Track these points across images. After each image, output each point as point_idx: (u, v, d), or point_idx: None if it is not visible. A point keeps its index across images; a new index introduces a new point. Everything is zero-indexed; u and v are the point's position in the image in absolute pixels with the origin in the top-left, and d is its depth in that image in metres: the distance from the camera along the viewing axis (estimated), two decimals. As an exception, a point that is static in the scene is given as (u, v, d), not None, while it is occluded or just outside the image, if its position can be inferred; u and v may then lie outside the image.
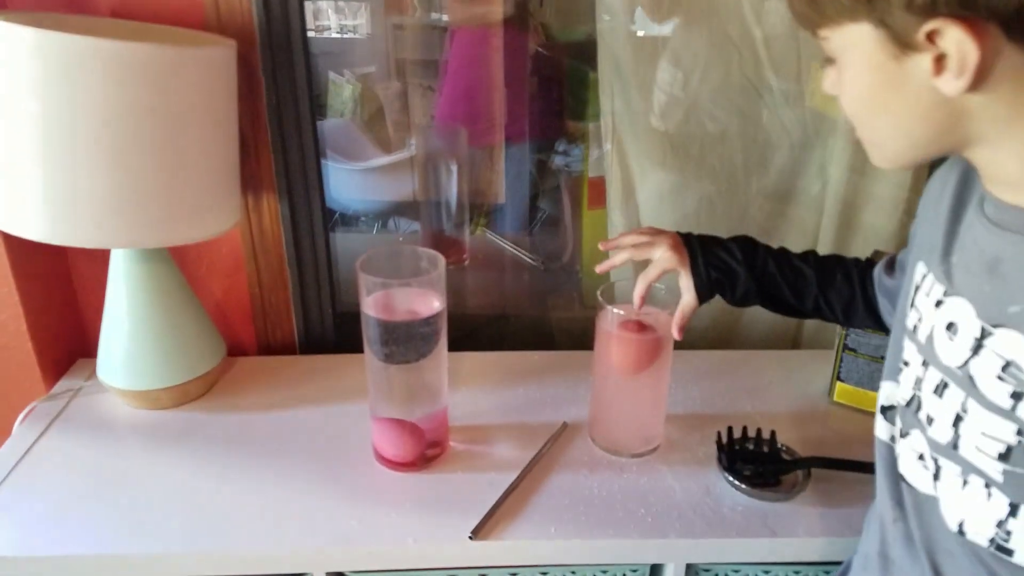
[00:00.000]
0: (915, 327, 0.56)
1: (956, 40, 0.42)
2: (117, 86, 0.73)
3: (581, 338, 1.16)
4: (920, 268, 0.57)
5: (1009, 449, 0.46)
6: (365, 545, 0.74)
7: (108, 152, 0.75)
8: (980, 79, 0.43)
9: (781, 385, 1.02)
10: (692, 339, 1.24)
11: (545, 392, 1.00)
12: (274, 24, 0.94)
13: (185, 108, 0.79)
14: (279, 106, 0.98)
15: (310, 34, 0.99)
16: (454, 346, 1.07)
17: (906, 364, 0.57)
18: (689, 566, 0.78)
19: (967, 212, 0.52)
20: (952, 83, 0.44)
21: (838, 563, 0.75)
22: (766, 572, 0.80)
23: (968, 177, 0.54)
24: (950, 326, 0.51)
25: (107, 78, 0.73)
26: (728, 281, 0.77)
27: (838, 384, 0.96)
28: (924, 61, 0.45)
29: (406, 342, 0.79)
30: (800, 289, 0.77)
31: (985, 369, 0.47)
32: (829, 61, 0.53)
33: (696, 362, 1.07)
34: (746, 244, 0.79)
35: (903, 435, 0.58)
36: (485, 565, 0.77)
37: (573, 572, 0.79)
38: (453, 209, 1.50)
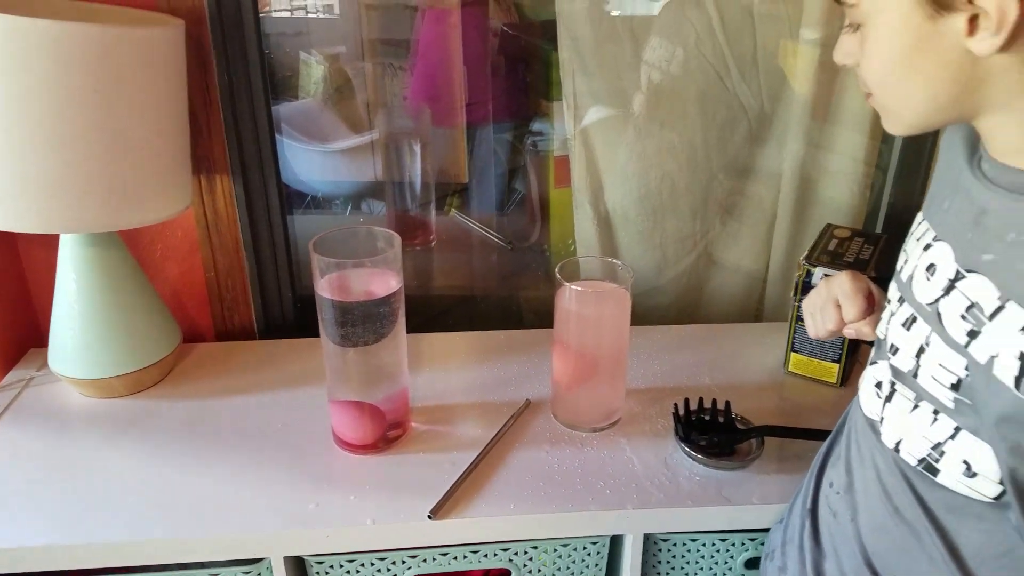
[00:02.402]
0: (900, 268, 0.60)
1: None
2: (62, 68, 0.72)
3: (549, 317, 1.17)
4: (919, 216, 0.61)
5: (960, 381, 0.51)
6: (322, 528, 0.73)
7: (52, 135, 0.74)
8: (1013, 38, 0.45)
9: (739, 357, 1.03)
10: (655, 315, 1.26)
11: (509, 370, 1.00)
12: (224, 2, 0.92)
13: (132, 89, 0.77)
14: (232, 85, 0.96)
15: (283, 14, 0.97)
16: (422, 327, 1.07)
17: (888, 300, 0.62)
18: (647, 536, 0.79)
19: (966, 168, 0.55)
20: (987, 41, 0.45)
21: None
22: (723, 540, 0.81)
23: (970, 139, 0.57)
24: (930, 267, 0.55)
25: (52, 59, 0.71)
26: None
27: (792, 355, 0.98)
28: (959, 21, 0.46)
29: (363, 323, 0.78)
30: None
31: (951, 307, 0.51)
32: (850, 28, 0.54)
33: (657, 337, 1.08)
34: None
35: (872, 363, 0.63)
36: (445, 544, 0.77)
37: (534, 547, 0.79)
38: (418, 190, 1.49)
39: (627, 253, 1.23)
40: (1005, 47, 0.45)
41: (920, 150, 1.10)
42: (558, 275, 0.83)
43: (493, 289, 1.51)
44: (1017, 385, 0.46)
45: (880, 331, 0.62)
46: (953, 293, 0.51)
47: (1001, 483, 0.50)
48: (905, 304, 0.58)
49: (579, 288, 0.83)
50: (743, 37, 1.09)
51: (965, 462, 0.51)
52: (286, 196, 1.07)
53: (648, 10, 1.12)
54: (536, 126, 1.65)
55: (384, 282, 0.80)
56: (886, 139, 1.13)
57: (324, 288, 0.78)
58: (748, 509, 0.76)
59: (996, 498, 0.50)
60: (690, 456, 0.81)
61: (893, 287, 0.61)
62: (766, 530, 0.77)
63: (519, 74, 1.73)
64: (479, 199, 1.75)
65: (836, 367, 0.95)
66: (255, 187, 1.02)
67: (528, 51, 1.67)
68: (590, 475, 0.80)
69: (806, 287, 0.93)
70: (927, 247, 0.56)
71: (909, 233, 0.62)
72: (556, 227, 1.51)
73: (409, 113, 1.73)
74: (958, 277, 0.51)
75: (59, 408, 0.91)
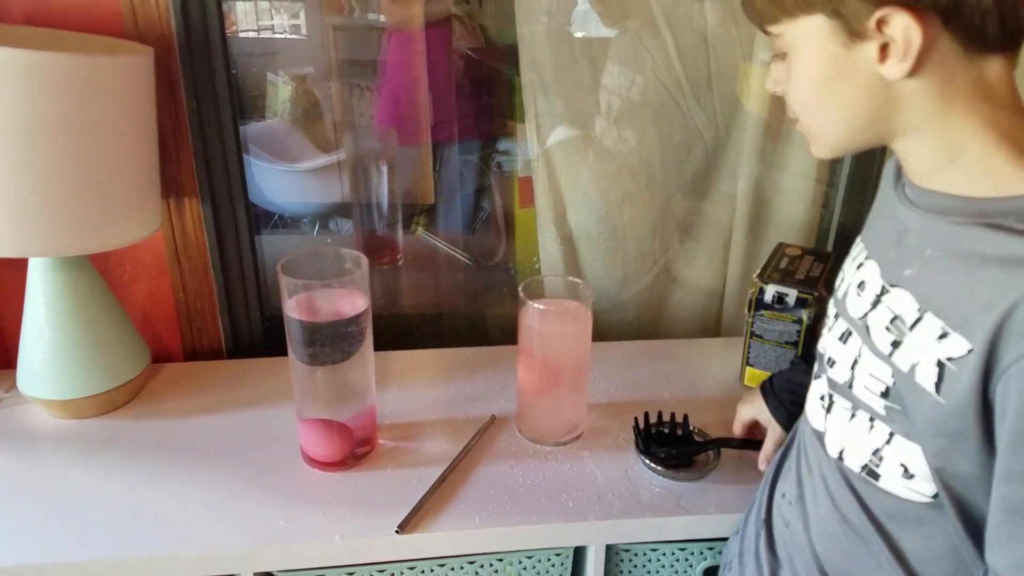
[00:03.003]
0: (838, 286, 0.65)
1: (903, 26, 0.48)
2: (31, 96, 0.73)
3: (515, 333, 1.19)
4: (857, 239, 0.66)
5: (888, 389, 0.54)
6: (292, 544, 0.75)
7: (23, 161, 0.75)
8: (920, 64, 0.49)
9: (697, 372, 1.07)
10: (618, 331, 1.30)
11: (476, 386, 1.03)
12: (192, 30, 0.94)
13: (101, 116, 0.79)
14: (200, 110, 0.98)
15: (250, 35, 0.98)
16: (389, 345, 1.09)
17: (827, 317, 0.66)
18: (609, 547, 0.82)
19: (893, 192, 0.60)
20: (896, 67, 0.50)
21: (747, 537, 0.81)
22: (682, 549, 0.84)
23: (899, 166, 0.61)
24: (861, 284, 0.59)
25: (21, 88, 0.72)
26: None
27: (747, 369, 1.02)
28: (871, 49, 0.50)
29: (331, 342, 0.80)
30: None
31: (878, 320, 0.56)
32: (778, 58, 0.58)
33: (619, 352, 1.12)
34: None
35: (815, 377, 0.66)
36: (413, 558, 0.79)
37: (500, 559, 0.82)
38: (385, 209, 1.51)
39: (590, 270, 1.27)
40: (913, 72, 0.50)
41: (868, 168, 1.15)
42: (522, 293, 0.86)
43: (460, 306, 1.53)
44: (937, 390, 0.50)
45: (820, 347, 0.66)
46: (879, 307, 0.56)
47: (934, 484, 0.53)
48: (840, 319, 0.62)
49: (542, 306, 0.86)
50: (698, 63, 1.14)
51: (902, 465, 0.55)
52: (254, 216, 1.09)
53: (608, 33, 1.16)
54: (501, 147, 1.69)
55: (352, 302, 0.82)
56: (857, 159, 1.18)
57: (292, 309, 0.80)
58: (706, 519, 0.79)
59: (934, 497, 0.54)
60: (650, 468, 0.84)
61: (831, 304, 0.66)
62: (724, 539, 0.81)
63: (484, 96, 1.76)
64: (445, 218, 1.78)
65: (788, 380, 0.99)
66: (223, 209, 1.04)
67: (494, 74, 1.71)
68: (554, 488, 0.83)
69: (759, 304, 0.97)
70: (859, 266, 0.61)
71: (848, 254, 0.66)
72: (521, 245, 1.54)
73: (376, 134, 1.75)
74: (883, 292, 0.56)
75: (28, 429, 0.91)
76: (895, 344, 0.54)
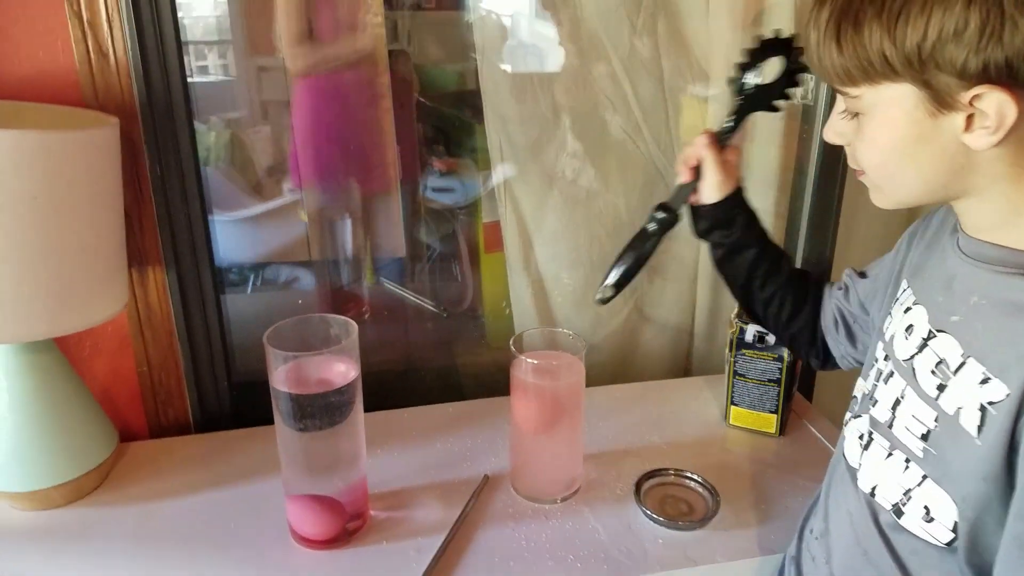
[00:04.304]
0: (886, 329, 0.66)
1: (998, 102, 0.49)
2: None
3: (490, 384, 1.18)
4: (903, 284, 0.67)
5: (928, 432, 0.56)
6: (295, 632, 0.71)
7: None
8: (1008, 135, 0.50)
9: (681, 413, 1.08)
10: (592, 373, 1.29)
11: (463, 445, 1.00)
12: (155, 97, 0.91)
13: (70, 193, 0.75)
14: (163, 177, 0.94)
15: None
16: (364, 406, 1.06)
17: (876, 360, 0.67)
18: (619, 606, 0.80)
19: (943, 241, 0.62)
20: (985, 138, 0.50)
21: (754, 582, 0.81)
22: (691, 601, 0.83)
23: (946, 218, 0.64)
24: (908, 328, 0.61)
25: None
26: (727, 223, 0.84)
27: (732, 408, 1.03)
28: (958, 119, 0.51)
29: (321, 414, 0.78)
30: (771, 271, 0.82)
31: (924, 364, 0.58)
32: (846, 114, 0.59)
33: (601, 399, 1.11)
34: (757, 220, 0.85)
35: (855, 416, 0.67)
36: (420, 635, 0.76)
37: (508, 629, 0.79)
38: (348, 263, 1.48)
39: (561, 314, 1.27)
40: (1001, 141, 0.51)
41: (828, 204, 1.17)
42: (512, 348, 0.85)
43: (430, 359, 1.50)
44: (979, 433, 0.51)
45: (868, 387, 0.68)
46: (925, 351, 0.58)
47: (953, 530, 0.54)
48: (887, 361, 0.64)
49: (535, 360, 0.85)
50: (656, 108, 1.17)
51: (925, 507, 0.56)
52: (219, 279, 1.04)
53: (567, 90, 1.17)
54: (465, 193, 1.68)
55: (342, 371, 0.79)
56: (797, 194, 1.21)
57: (280, 381, 0.77)
58: (714, 568, 0.79)
59: (948, 544, 0.55)
60: (651, 520, 0.84)
61: (879, 346, 0.67)
62: (731, 587, 0.81)
63: (442, 142, 1.74)
64: (408, 267, 1.75)
65: (774, 417, 1.01)
66: (188, 276, 0.99)
67: (434, 115, 1.68)
68: (558, 549, 0.81)
69: (740, 343, 0.99)
70: (907, 310, 0.62)
71: (893, 298, 0.68)
72: (489, 291, 1.53)
73: (328, 189, 1.65)
74: (930, 336, 0.58)
75: (-10, 526, 0.84)
76: (941, 388, 0.55)
